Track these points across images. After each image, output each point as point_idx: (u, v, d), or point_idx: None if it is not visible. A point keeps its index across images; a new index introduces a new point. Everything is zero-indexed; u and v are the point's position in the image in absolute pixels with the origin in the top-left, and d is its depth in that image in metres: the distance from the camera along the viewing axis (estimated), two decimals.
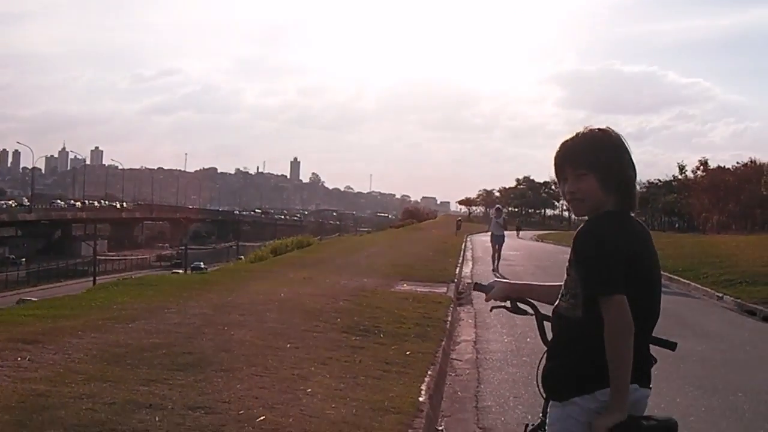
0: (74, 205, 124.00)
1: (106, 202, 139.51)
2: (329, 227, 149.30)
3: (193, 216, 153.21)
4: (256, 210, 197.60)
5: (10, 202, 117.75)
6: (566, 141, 3.14)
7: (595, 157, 3.05)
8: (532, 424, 3.47)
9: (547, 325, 3.31)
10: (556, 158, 3.15)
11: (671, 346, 3.30)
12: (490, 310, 3.81)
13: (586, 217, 3.10)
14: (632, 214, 3.14)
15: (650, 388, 3.08)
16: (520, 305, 3.61)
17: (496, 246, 25.67)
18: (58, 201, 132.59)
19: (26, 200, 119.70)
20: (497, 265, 24.86)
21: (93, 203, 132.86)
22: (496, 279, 3.81)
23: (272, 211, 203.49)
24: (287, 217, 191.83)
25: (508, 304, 3.64)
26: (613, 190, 3.05)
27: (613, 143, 3.09)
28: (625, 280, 2.88)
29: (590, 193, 3.05)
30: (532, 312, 3.57)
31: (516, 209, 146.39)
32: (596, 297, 2.89)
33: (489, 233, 27.33)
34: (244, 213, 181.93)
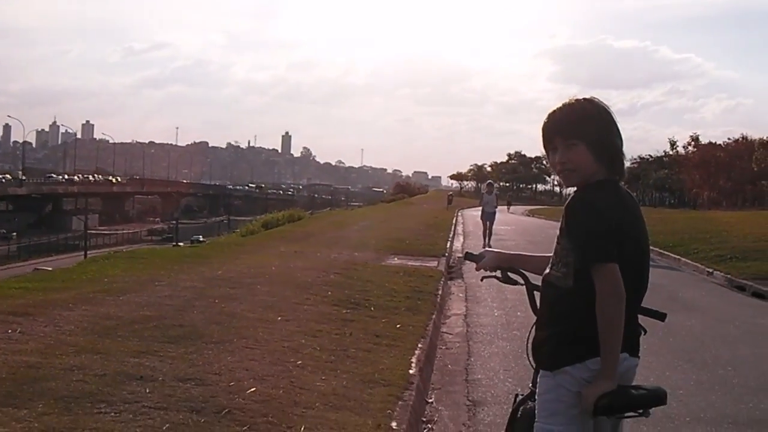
0: (71, 179, 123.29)
1: (101, 177, 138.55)
2: (320, 201, 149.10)
3: (185, 190, 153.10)
4: (250, 185, 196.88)
5: (7, 176, 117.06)
6: (554, 111, 3.12)
7: (584, 126, 3.04)
8: (522, 395, 3.48)
9: (538, 295, 3.32)
10: (545, 129, 3.13)
11: (661, 316, 3.30)
12: (481, 280, 3.80)
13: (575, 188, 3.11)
14: (621, 184, 3.13)
15: (638, 358, 3.10)
16: (511, 275, 3.61)
17: (487, 223, 24.66)
18: (53, 174, 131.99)
19: (21, 174, 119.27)
20: (488, 242, 23.55)
21: (88, 177, 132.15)
22: (487, 249, 3.80)
23: (263, 185, 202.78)
24: (283, 192, 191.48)
25: (498, 274, 3.64)
26: (603, 160, 3.04)
27: (601, 112, 3.08)
28: (616, 249, 2.89)
29: (581, 163, 3.04)
30: (523, 282, 3.56)
31: (507, 184, 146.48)
32: (589, 266, 2.90)
33: (480, 209, 26.34)
34: (238, 187, 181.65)
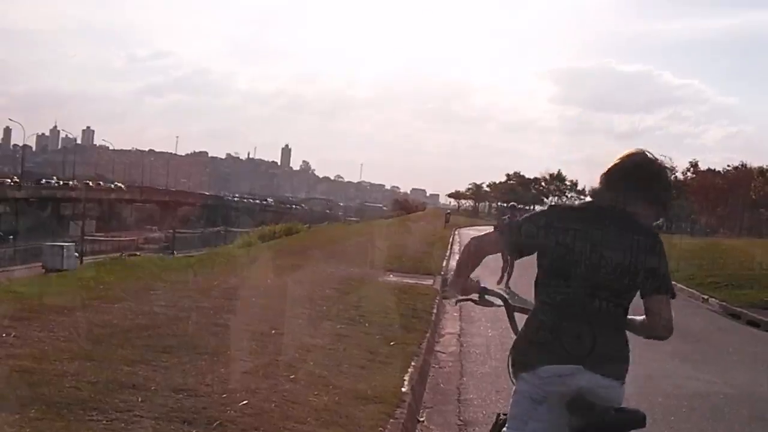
0: (88, 184, 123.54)
1: (116, 184, 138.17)
2: (317, 216, 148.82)
3: (183, 199, 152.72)
4: (268, 200, 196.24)
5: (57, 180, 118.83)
6: None
7: None
8: (504, 414, 3.50)
9: (519, 316, 3.40)
10: None
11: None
12: (455, 304, 3.79)
13: None
14: (601, 205, 3.38)
15: (616, 380, 3.15)
16: (489, 298, 3.58)
17: (508, 258, 15.36)
18: (74, 181, 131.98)
19: (56, 178, 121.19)
20: (507, 281, 16.67)
21: (99, 184, 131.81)
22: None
23: (282, 202, 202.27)
24: (295, 206, 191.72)
25: (475, 297, 3.60)
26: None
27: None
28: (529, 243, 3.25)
29: None
30: (500, 304, 3.56)
31: (505, 204, 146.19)
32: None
33: (485, 230, 22.80)
34: (236, 198, 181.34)
